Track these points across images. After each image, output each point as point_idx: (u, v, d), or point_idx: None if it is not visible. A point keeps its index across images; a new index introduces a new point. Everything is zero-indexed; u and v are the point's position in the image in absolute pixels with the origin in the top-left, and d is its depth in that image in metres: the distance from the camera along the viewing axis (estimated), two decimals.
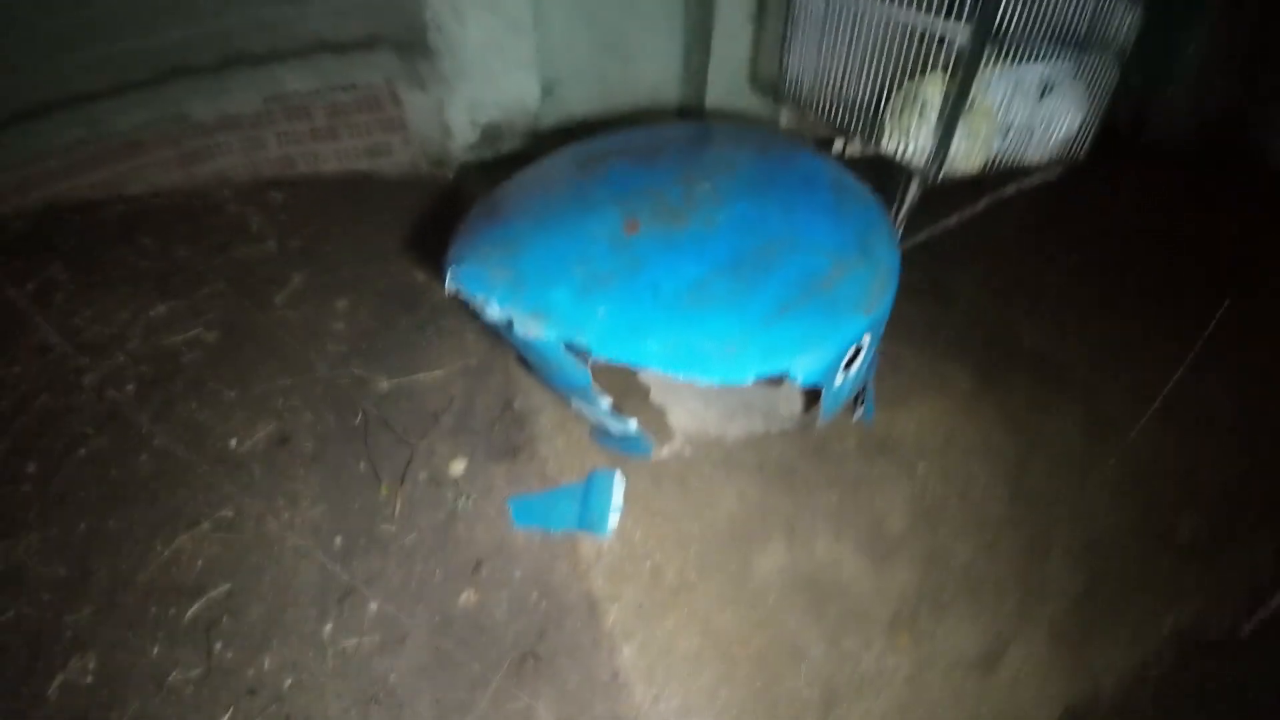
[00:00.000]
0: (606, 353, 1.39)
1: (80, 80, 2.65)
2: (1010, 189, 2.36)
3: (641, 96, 3.60)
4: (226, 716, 1.41)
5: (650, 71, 3.56)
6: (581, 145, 2.13)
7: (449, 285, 1.59)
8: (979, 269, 2.92)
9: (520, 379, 2.10)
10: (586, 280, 1.49)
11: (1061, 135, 2.12)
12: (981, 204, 2.28)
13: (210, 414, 1.96)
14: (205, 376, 2.06)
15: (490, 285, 1.53)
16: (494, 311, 1.52)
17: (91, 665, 1.47)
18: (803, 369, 1.40)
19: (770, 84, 2.88)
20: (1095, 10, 1.91)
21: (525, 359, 1.95)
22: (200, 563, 1.65)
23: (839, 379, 1.59)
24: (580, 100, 3.46)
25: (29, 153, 2.67)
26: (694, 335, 1.42)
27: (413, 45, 2.84)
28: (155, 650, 1.50)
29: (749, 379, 1.37)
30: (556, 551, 1.69)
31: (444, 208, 2.86)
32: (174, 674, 1.47)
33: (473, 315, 1.72)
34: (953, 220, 2.38)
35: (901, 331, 2.53)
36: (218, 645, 1.52)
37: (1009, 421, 2.28)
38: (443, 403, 2.04)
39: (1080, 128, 2.14)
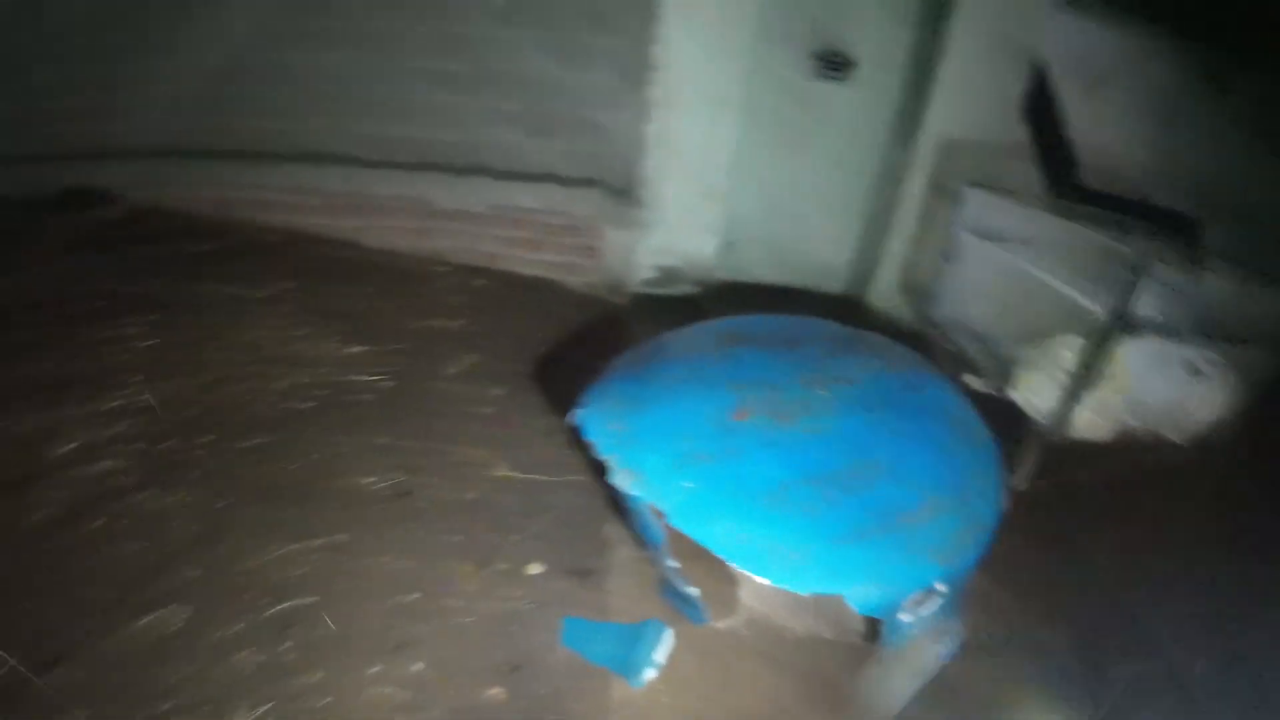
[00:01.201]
0: (679, 524, 1.52)
1: (353, 146, 3.40)
2: (1148, 458, 2.23)
3: (810, 272, 3.85)
4: (265, 708, 1.57)
5: (822, 253, 3.82)
6: (727, 323, 2.35)
7: (569, 420, 1.83)
8: (1111, 533, 2.69)
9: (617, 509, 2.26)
10: (684, 454, 1.66)
11: (1208, 419, 2.00)
12: (1123, 464, 2.17)
13: (359, 448, 2.29)
14: (369, 416, 2.42)
15: (603, 434, 1.74)
16: (599, 456, 1.72)
17: (182, 617, 1.71)
18: (859, 599, 1.44)
19: (922, 298, 3.00)
20: (1259, 309, 1.84)
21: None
22: (301, 572, 1.89)
23: (907, 616, 1.59)
24: (754, 262, 3.77)
25: (300, 187, 3.45)
26: (763, 533, 1.50)
27: (623, 193, 3.30)
28: (237, 627, 1.73)
29: (806, 590, 1.43)
30: (586, 685, 1.76)
31: (609, 329, 3.18)
32: (240, 654, 1.67)
33: None
34: (1088, 473, 2.27)
35: (1008, 572, 2.37)
36: (286, 644, 1.72)
37: None
38: (544, 506, 2.23)
39: (1230, 415, 2.01)
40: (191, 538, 1.92)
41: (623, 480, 1.63)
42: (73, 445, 2.18)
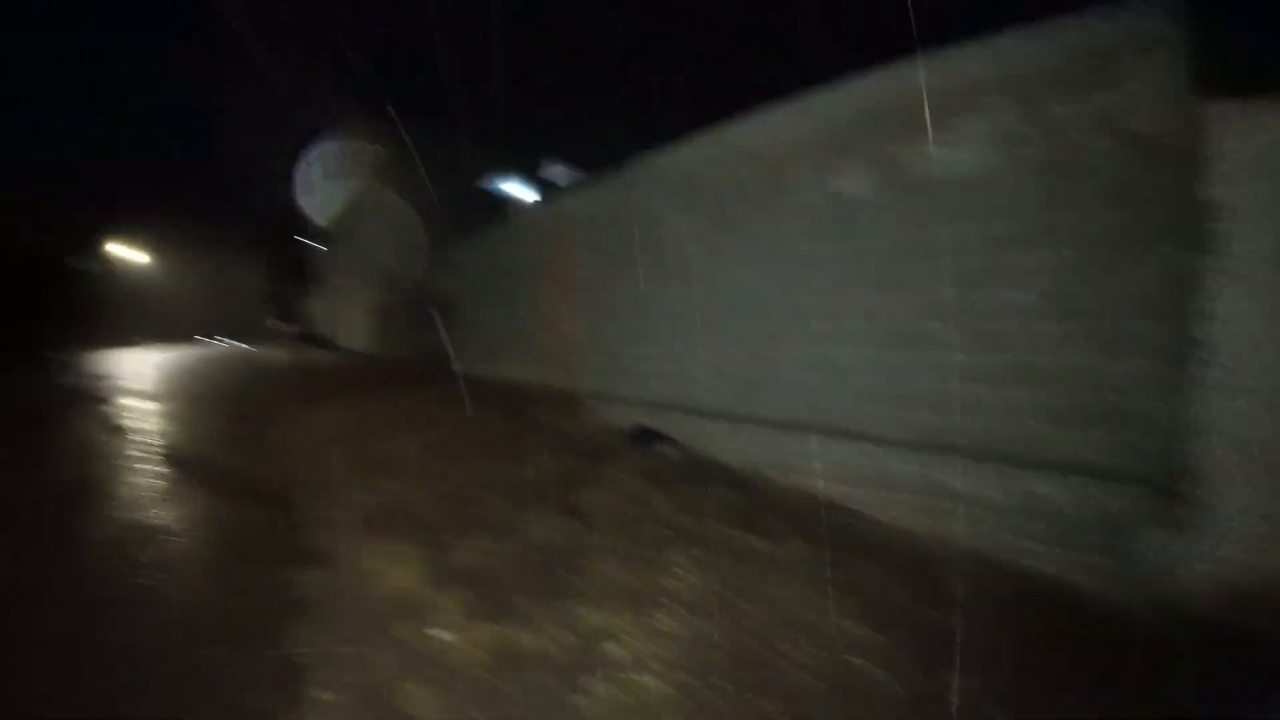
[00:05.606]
0: None
1: (873, 425, 3.78)
2: None
3: None
4: None
5: None
6: None
7: None
8: None
9: None
10: None
11: None
12: None
13: None
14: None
15: None
16: None
17: None
18: None
19: None
20: None
21: None
22: None
23: None
24: None
25: (820, 457, 3.93)
26: None
27: (1165, 489, 2.94)
28: None
29: None
30: None
31: (1149, 669, 2.54)
32: None
33: None
34: None
35: None
36: None
37: None
38: None
39: None
40: None
41: None
42: (626, 654, 2.68)
